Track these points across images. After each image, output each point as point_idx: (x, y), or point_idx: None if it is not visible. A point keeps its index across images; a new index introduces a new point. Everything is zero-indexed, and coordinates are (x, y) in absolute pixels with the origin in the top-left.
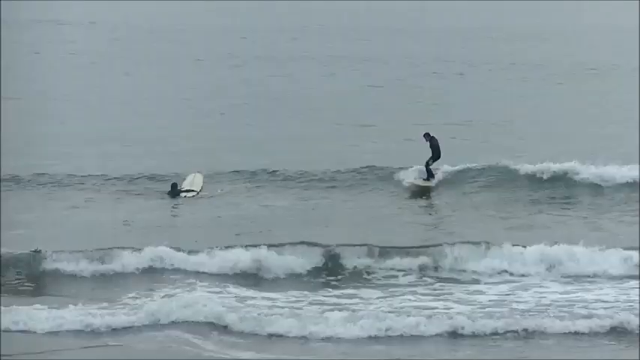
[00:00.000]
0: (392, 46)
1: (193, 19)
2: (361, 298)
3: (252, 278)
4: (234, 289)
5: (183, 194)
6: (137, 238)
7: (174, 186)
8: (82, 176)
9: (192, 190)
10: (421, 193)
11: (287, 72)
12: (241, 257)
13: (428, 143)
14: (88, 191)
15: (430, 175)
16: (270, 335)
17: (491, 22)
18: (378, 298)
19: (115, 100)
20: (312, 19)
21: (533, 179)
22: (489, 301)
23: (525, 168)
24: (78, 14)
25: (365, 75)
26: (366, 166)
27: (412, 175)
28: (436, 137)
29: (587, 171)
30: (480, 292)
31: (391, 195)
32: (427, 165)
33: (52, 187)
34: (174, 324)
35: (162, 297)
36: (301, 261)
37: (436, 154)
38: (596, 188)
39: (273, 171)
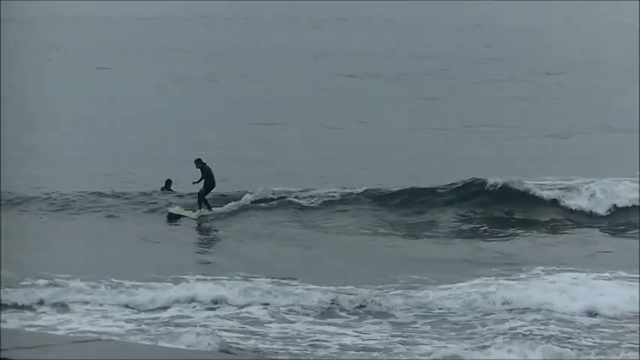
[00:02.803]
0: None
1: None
2: None
3: None
4: None
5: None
6: None
7: (168, 182)
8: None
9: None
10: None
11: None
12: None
13: (199, 170)
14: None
15: (207, 205)
16: None
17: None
18: None
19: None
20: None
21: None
22: None
23: None
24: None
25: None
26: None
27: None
28: (208, 165)
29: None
30: None
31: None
32: (200, 196)
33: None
34: None
35: None
36: None
37: (210, 183)
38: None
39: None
